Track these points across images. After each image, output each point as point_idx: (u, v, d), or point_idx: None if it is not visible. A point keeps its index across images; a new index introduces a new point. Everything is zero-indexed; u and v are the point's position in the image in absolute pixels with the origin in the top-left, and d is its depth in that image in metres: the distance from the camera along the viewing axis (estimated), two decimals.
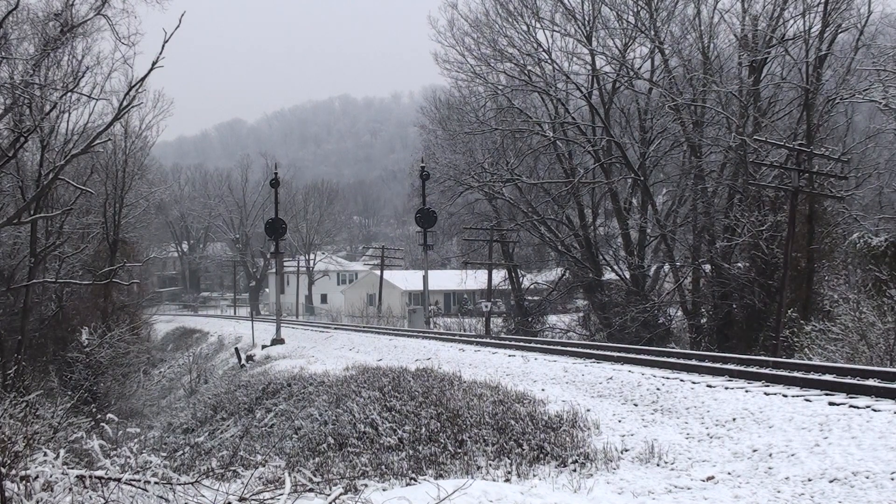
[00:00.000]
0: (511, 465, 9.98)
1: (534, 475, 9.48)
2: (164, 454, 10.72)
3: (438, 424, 11.95)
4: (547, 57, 37.25)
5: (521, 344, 23.97)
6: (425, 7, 46.58)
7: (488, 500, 7.70)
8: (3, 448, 7.82)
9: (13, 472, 6.84)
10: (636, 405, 12.67)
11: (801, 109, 30.42)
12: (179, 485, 6.88)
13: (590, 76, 37.71)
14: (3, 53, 21.38)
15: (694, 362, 16.11)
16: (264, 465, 9.67)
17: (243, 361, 33.31)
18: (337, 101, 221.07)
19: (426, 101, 55.25)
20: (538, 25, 37.17)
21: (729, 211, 31.80)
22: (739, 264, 31.76)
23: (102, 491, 6.72)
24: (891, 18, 34.84)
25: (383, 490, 8.69)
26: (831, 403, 10.74)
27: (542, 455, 10.27)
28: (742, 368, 14.29)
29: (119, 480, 6.75)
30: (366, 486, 9.04)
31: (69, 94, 24.79)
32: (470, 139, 41.69)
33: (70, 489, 6.60)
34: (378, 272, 67.80)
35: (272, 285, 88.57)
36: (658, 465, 9.54)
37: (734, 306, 31.06)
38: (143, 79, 17.64)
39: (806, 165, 27.21)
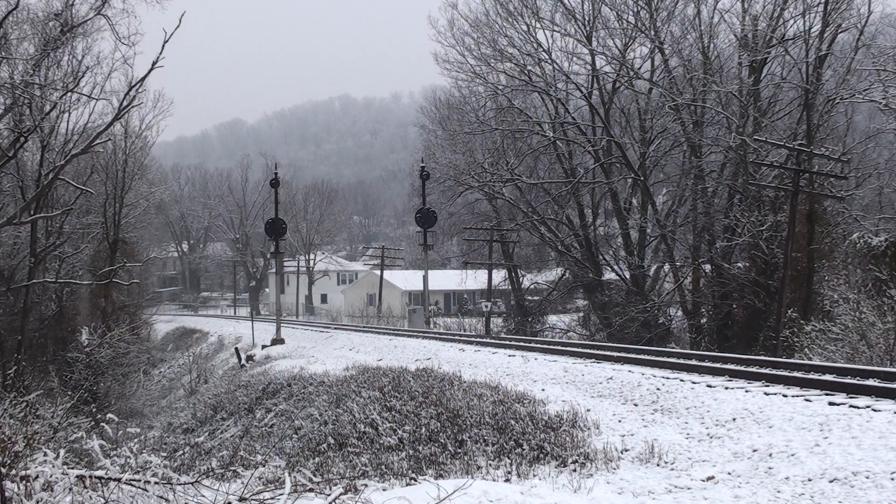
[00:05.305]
0: (511, 465, 9.98)
1: (534, 475, 9.47)
2: (164, 454, 10.72)
3: (438, 424, 11.94)
4: (547, 57, 37.30)
5: (521, 344, 23.97)
6: (425, 7, 46.68)
7: (488, 500, 7.70)
8: (3, 448, 7.82)
9: (13, 472, 6.84)
10: (636, 405, 12.66)
11: (801, 109, 30.42)
12: (179, 485, 6.88)
13: (590, 76, 37.72)
14: (3, 53, 21.37)
15: (694, 362, 16.10)
16: (264, 465, 9.68)
17: (243, 361, 33.29)
18: (337, 101, 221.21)
19: (426, 101, 55.37)
20: (538, 25, 37.24)
21: (729, 211, 31.81)
22: (739, 264, 31.77)
23: (102, 491, 6.72)
24: (891, 18, 34.89)
25: (383, 490, 8.69)
26: (831, 403, 10.74)
27: (542, 455, 10.26)
28: (742, 368, 14.29)
29: (119, 480, 6.75)
30: (366, 486, 9.04)
31: (69, 94, 24.77)
32: (470, 139, 41.71)
33: (70, 489, 6.60)
34: (378, 272, 67.82)
35: (272, 285, 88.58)
36: (658, 465, 9.54)
37: (734, 306, 31.07)
38: (143, 79, 17.65)
39: (806, 165, 27.23)
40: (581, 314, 44.96)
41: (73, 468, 7.09)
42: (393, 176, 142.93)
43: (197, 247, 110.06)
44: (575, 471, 9.53)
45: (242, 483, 7.53)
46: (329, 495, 7.17)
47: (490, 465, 10.11)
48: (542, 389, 14.57)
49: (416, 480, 9.32)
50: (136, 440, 13.67)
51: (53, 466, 6.83)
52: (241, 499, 6.90)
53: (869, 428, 9.28)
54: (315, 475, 8.32)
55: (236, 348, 38.35)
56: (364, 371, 18.55)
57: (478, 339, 28.32)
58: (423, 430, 11.80)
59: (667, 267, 36.86)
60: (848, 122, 32.67)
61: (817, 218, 28.90)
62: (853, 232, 28.48)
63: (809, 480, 8.05)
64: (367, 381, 16.58)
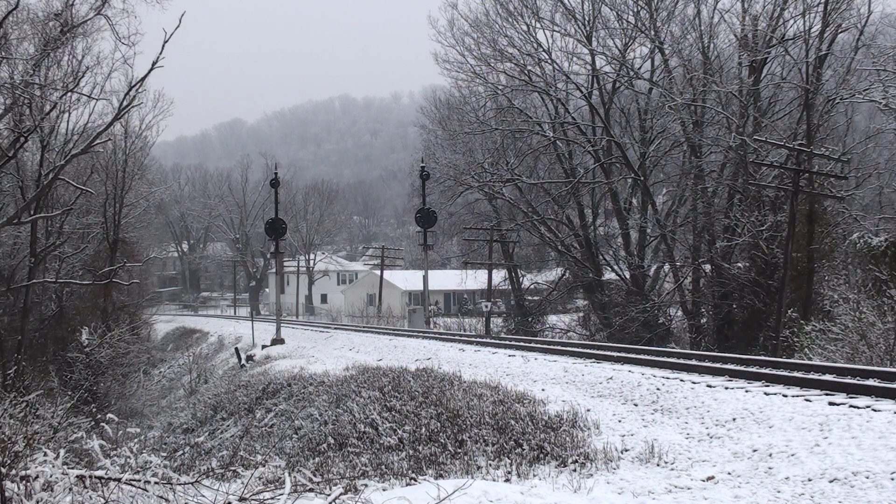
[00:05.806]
0: (511, 465, 9.98)
1: (534, 475, 9.47)
2: (164, 454, 10.72)
3: (438, 424, 11.94)
4: (547, 57, 37.31)
5: (521, 344, 23.97)
6: (425, 7, 46.68)
7: (488, 500, 7.70)
8: (3, 448, 7.82)
9: (13, 472, 6.84)
10: (636, 405, 12.66)
11: (801, 109, 30.42)
12: (179, 485, 6.88)
13: (590, 76, 37.73)
14: (3, 53, 21.37)
15: (694, 362, 16.10)
16: (264, 465, 9.68)
17: (243, 361, 33.29)
18: (337, 101, 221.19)
19: (426, 101, 55.38)
20: (538, 25, 37.25)
21: (729, 211, 31.80)
22: (739, 264, 31.76)
23: (102, 491, 6.72)
24: (891, 18, 34.91)
25: (383, 490, 8.69)
26: (831, 403, 10.74)
27: (542, 455, 10.26)
28: (742, 368, 14.29)
29: (119, 480, 6.75)
30: (366, 486, 9.04)
31: (69, 94, 24.76)
32: (470, 139, 41.71)
33: (70, 489, 6.61)
34: (378, 272, 67.83)
35: (272, 285, 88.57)
36: (658, 465, 9.54)
37: (734, 306, 31.05)
38: (143, 79, 17.67)
39: (806, 165, 27.22)
40: (581, 314, 44.94)
41: (73, 468, 7.09)
42: (393, 176, 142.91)
43: (197, 247, 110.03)
44: (575, 471, 9.53)
45: (242, 483, 7.54)
46: (329, 495, 7.18)
47: (490, 465, 10.11)
48: (542, 389, 14.57)
49: (416, 480, 9.32)
50: (136, 440, 13.67)
51: (53, 466, 6.83)
52: (241, 499, 6.90)
53: (869, 428, 9.28)
54: (315, 475, 8.32)
55: (236, 348, 38.34)
56: (364, 371, 18.55)
57: (478, 339, 28.31)
58: (423, 430, 11.80)
59: (667, 267, 36.86)
60: (848, 122, 32.67)
61: (817, 218, 28.89)
62: (853, 232, 28.48)
63: (809, 480, 8.05)
64: (367, 381, 16.58)
